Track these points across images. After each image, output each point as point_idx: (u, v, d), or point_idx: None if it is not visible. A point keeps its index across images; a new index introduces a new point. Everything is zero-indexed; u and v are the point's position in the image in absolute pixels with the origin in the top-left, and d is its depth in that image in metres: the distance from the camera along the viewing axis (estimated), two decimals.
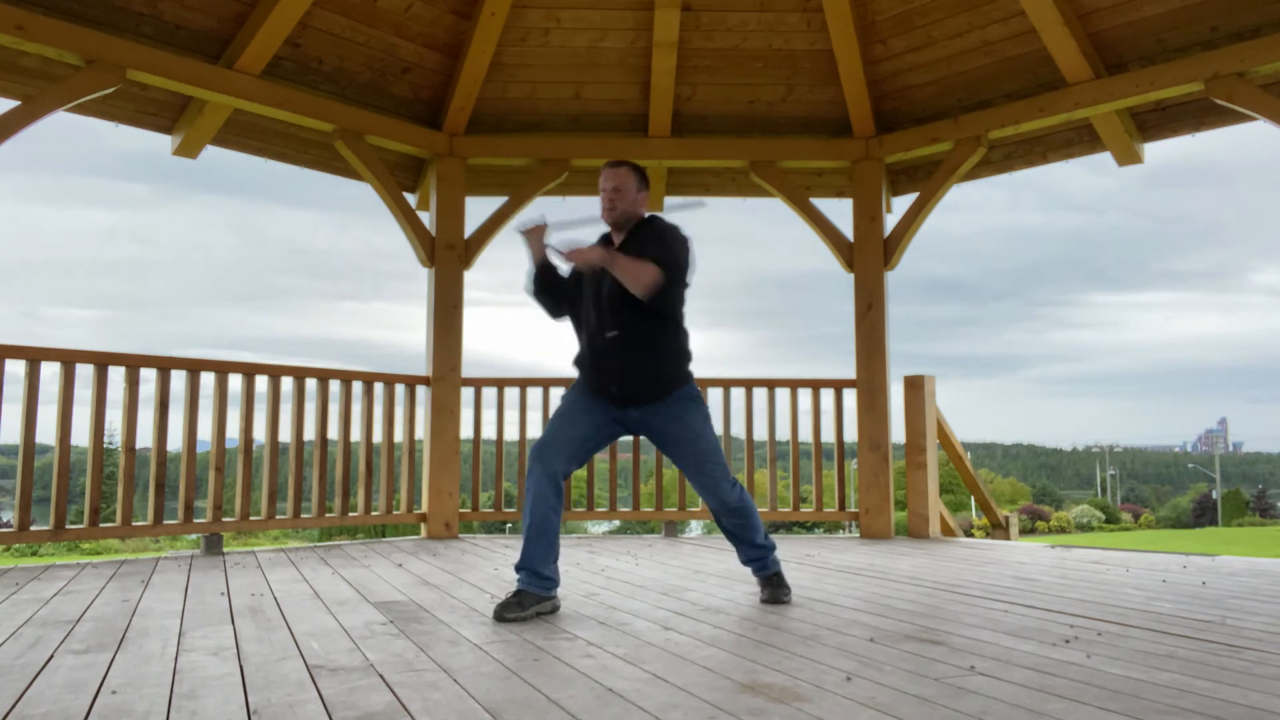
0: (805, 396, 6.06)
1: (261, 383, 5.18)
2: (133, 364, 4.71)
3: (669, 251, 3.10)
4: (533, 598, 3.01)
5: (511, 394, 6.03)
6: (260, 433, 5.13)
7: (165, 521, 4.80)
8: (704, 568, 4.31)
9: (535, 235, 3.29)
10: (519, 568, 3.07)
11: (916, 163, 6.17)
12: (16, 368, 4.38)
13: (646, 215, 3.27)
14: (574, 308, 3.32)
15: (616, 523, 28.12)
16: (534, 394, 6.08)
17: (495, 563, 4.48)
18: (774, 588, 3.35)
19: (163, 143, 5.26)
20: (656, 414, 3.21)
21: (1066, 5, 5.02)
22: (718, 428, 5.98)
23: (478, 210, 6.12)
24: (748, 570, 3.79)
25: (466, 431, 5.99)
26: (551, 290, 3.33)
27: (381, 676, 2.20)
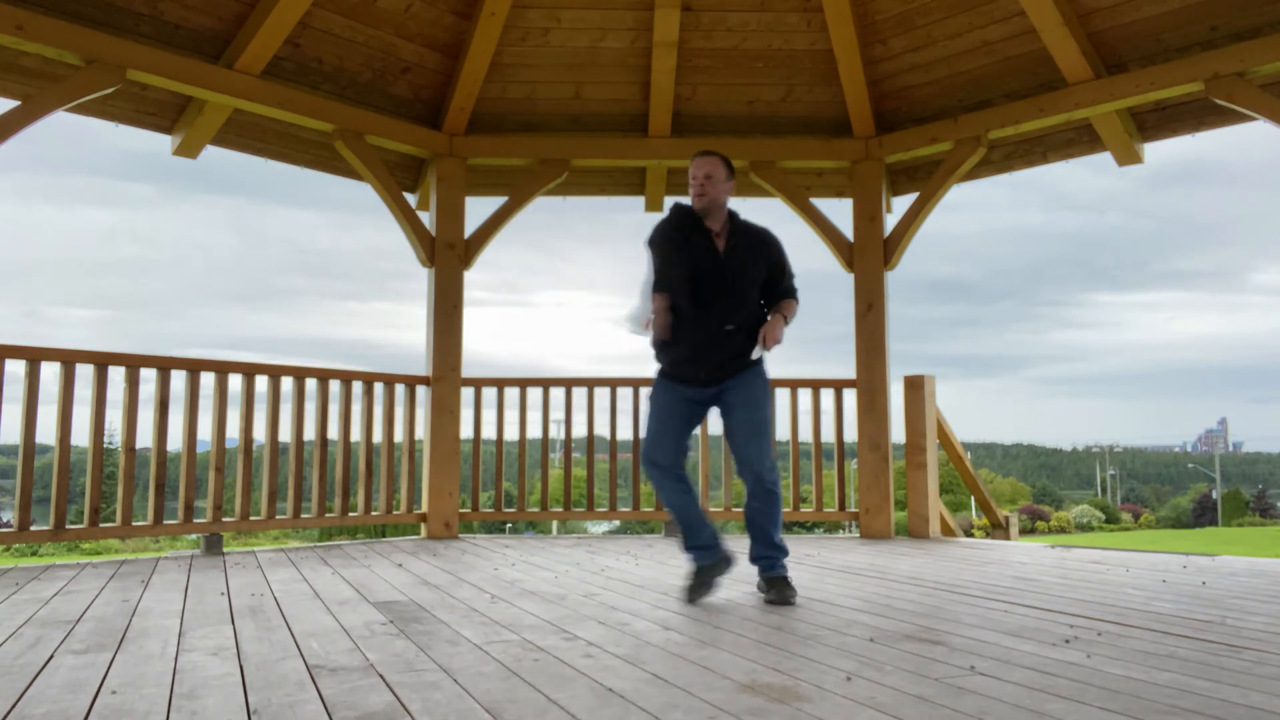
0: (805, 396, 6.06)
1: (261, 383, 5.18)
2: (133, 364, 4.71)
3: (792, 273, 3.58)
4: (709, 569, 3.38)
5: (511, 394, 6.04)
6: (260, 433, 5.13)
7: (165, 521, 4.80)
8: None
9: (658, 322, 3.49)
10: (688, 548, 3.44)
11: (916, 163, 6.17)
12: (16, 368, 4.38)
13: (729, 209, 3.51)
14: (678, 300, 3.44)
15: (616, 523, 28.13)
16: (534, 394, 6.09)
17: (495, 563, 4.48)
18: (781, 588, 3.38)
19: (163, 143, 5.27)
20: (730, 387, 3.45)
21: (1066, 5, 5.02)
22: (716, 428, 6.01)
23: (478, 210, 6.12)
24: (749, 570, 3.80)
25: (466, 431, 6.00)
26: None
27: (381, 676, 2.20)
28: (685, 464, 3.52)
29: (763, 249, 3.47)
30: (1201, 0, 4.74)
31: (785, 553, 3.47)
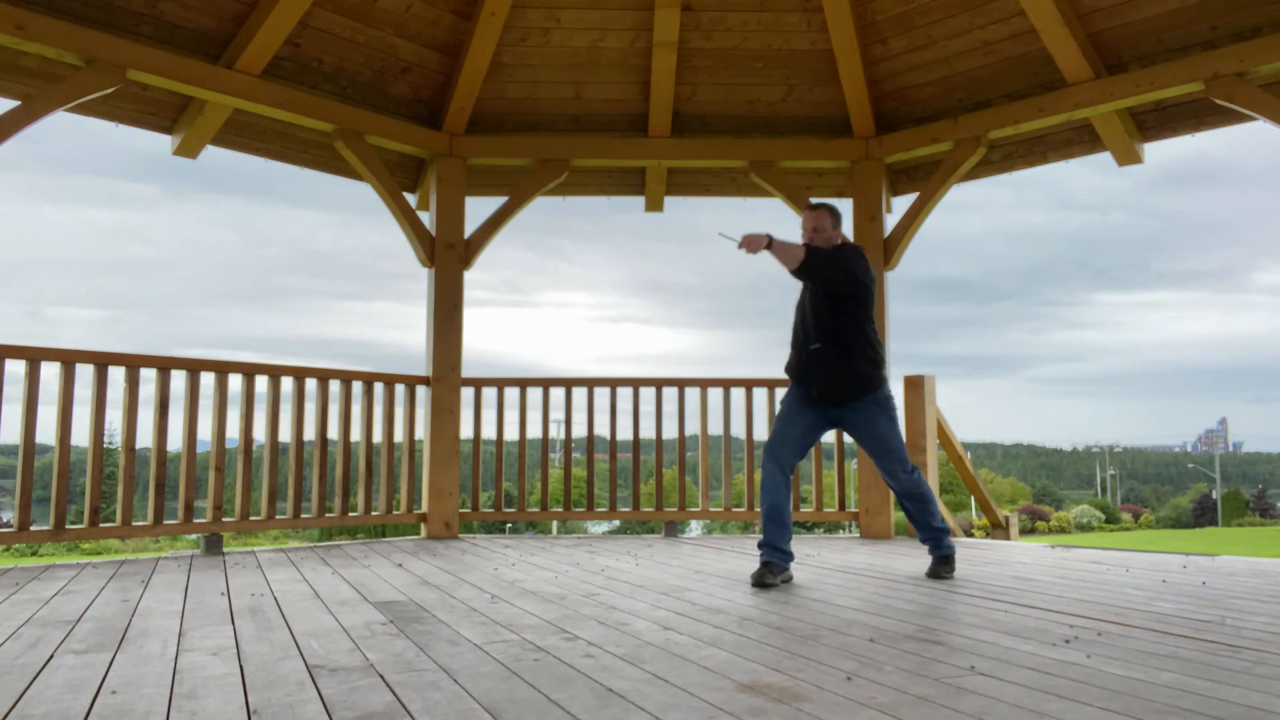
0: None
1: (261, 383, 5.18)
2: (133, 364, 4.71)
3: (828, 253, 3.74)
4: (777, 568, 3.68)
5: (511, 394, 6.03)
6: (260, 433, 5.13)
7: (165, 521, 4.80)
8: (704, 568, 4.31)
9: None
10: (762, 545, 3.75)
11: (916, 163, 6.17)
12: (16, 368, 4.38)
13: (839, 243, 3.91)
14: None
15: (616, 523, 28.13)
16: (534, 394, 6.09)
17: (495, 563, 4.48)
18: (939, 564, 3.90)
19: (164, 142, 5.26)
20: (849, 414, 3.87)
21: (1066, 5, 5.02)
22: (716, 428, 6.04)
23: (478, 210, 6.13)
24: (748, 570, 4.13)
25: (466, 431, 6.00)
26: None
27: (381, 676, 2.20)
28: (795, 469, 3.96)
29: None
30: (1201, 0, 4.74)
31: (946, 532, 3.96)
